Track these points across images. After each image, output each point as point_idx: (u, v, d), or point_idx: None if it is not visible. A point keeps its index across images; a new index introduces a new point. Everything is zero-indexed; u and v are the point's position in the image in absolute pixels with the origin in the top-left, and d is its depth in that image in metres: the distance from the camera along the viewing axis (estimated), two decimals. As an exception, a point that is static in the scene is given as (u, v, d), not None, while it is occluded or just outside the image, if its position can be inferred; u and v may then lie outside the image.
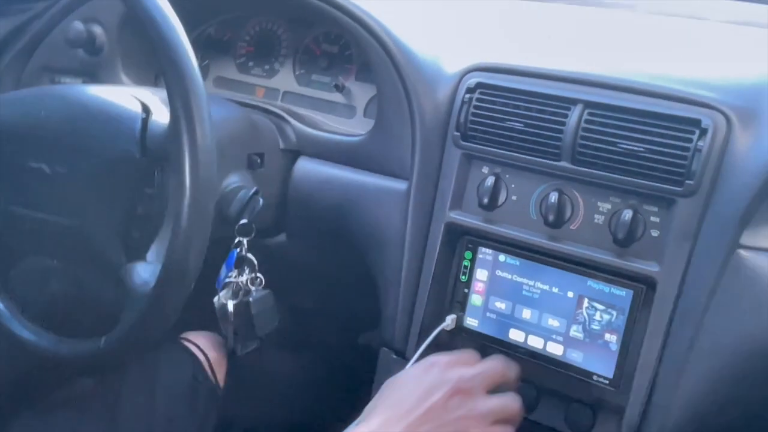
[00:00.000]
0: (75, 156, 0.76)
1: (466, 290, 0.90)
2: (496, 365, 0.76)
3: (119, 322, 0.76)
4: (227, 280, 0.91)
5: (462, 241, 0.90)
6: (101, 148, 0.75)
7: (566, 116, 0.81)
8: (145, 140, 0.74)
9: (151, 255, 0.77)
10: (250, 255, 0.90)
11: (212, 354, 0.91)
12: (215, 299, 0.91)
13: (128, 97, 0.77)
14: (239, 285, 0.91)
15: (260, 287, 0.91)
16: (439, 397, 0.67)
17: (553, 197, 0.82)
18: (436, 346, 0.92)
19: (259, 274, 0.91)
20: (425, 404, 0.67)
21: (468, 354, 0.76)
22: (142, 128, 0.74)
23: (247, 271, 0.91)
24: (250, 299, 0.90)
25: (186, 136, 0.67)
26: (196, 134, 0.67)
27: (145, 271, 0.75)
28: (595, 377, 0.83)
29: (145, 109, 0.76)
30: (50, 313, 1.00)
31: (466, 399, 0.68)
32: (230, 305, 0.90)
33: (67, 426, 0.82)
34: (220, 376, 0.91)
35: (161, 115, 0.74)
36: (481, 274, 0.89)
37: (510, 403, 0.74)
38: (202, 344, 0.91)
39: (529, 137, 0.83)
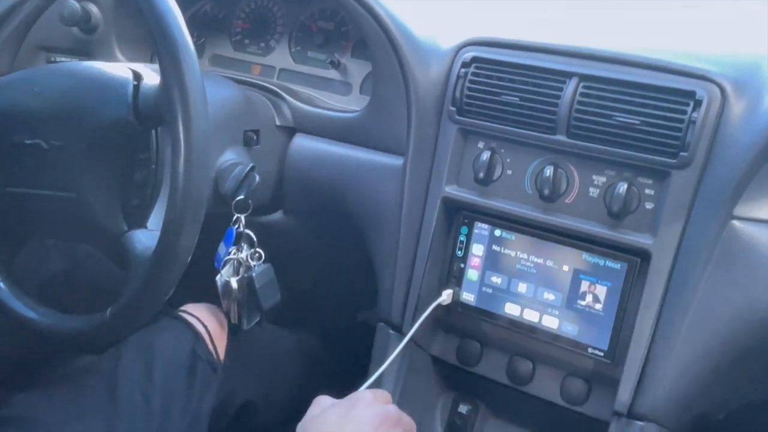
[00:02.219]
0: (70, 127, 0.76)
1: (462, 265, 0.90)
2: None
3: (124, 290, 0.76)
4: (227, 257, 0.91)
5: (458, 216, 0.91)
6: (95, 116, 0.75)
7: (561, 90, 0.81)
8: (138, 104, 0.74)
9: (151, 222, 0.77)
10: (248, 231, 0.91)
11: (212, 326, 0.91)
12: (217, 277, 0.91)
13: (119, 67, 0.78)
14: (240, 261, 0.91)
15: (260, 262, 0.92)
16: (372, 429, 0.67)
17: (548, 171, 0.82)
18: (433, 321, 0.93)
19: (258, 249, 0.91)
20: None
21: (382, 393, 0.75)
22: (134, 93, 0.74)
23: (245, 247, 0.91)
24: (253, 274, 0.91)
25: (177, 92, 0.68)
26: (187, 90, 0.67)
27: (146, 238, 0.75)
28: (590, 350, 0.83)
29: (137, 76, 0.76)
30: (50, 291, 1.01)
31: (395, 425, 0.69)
32: (233, 282, 0.90)
33: (66, 401, 0.83)
34: (220, 349, 0.92)
35: (152, 80, 0.74)
36: (477, 249, 0.90)
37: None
38: (202, 316, 0.91)
39: (525, 111, 0.83)
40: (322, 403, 0.70)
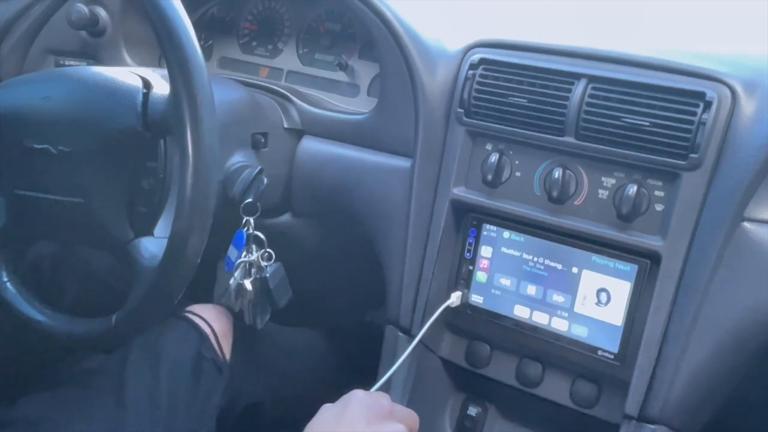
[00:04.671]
0: (78, 134, 0.76)
1: (470, 267, 0.90)
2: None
3: (129, 298, 0.76)
4: (239, 261, 0.91)
5: (466, 219, 0.91)
6: (104, 124, 0.75)
7: (570, 91, 0.81)
8: (147, 113, 0.74)
9: (158, 230, 0.77)
10: (257, 232, 0.91)
11: (218, 326, 0.92)
12: (230, 281, 0.91)
13: (129, 74, 0.77)
14: (251, 263, 0.91)
15: (271, 262, 0.92)
16: None
17: (557, 173, 0.82)
18: (442, 323, 0.93)
19: (269, 249, 0.92)
20: None
21: (378, 393, 0.74)
22: (143, 102, 0.74)
23: (255, 248, 0.92)
24: (267, 275, 0.91)
25: (186, 105, 0.67)
26: (196, 103, 0.67)
27: (153, 246, 0.75)
28: (599, 352, 0.83)
29: (146, 84, 0.76)
30: (60, 294, 1.01)
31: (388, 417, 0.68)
32: (248, 284, 0.90)
33: (73, 402, 0.83)
34: (226, 350, 0.92)
35: (162, 89, 0.74)
36: (485, 251, 0.89)
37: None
38: (208, 317, 0.92)
39: (533, 113, 0.83)
40: (323, 410, 0.70)
